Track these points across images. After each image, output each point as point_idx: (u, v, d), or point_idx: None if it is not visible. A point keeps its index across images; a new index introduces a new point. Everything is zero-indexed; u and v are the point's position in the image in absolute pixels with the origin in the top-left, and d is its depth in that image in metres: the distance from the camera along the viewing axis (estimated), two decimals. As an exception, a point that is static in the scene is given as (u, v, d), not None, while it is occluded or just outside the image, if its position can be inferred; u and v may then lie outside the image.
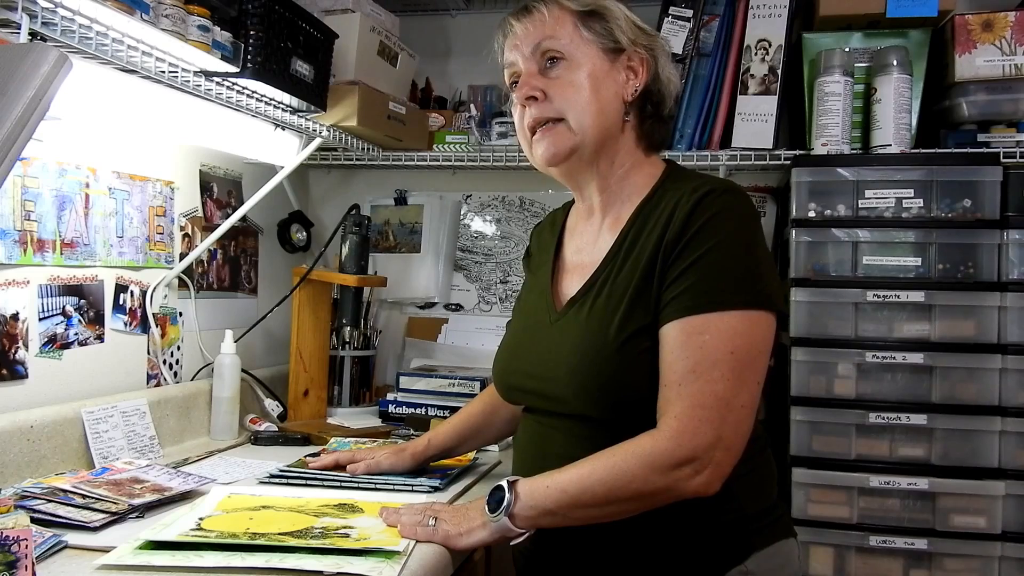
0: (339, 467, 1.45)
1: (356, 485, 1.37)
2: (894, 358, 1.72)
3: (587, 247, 1.23)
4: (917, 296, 1.72)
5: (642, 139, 1.21)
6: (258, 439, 1.80)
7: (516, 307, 1.37)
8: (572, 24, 1.16)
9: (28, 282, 1.44)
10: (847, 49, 1.88)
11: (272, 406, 2.01)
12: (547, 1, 1.18)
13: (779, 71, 1.91)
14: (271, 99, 1.65)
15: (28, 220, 1.43)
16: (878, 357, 1.73)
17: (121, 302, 1.67)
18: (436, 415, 1.93)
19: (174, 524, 1.12)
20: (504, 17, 1.22)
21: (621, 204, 1.19)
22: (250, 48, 1.46)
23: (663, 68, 1.20)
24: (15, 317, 1.41)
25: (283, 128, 1.85)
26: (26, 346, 1.43)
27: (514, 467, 1.25)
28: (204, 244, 1.87)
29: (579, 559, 1.11)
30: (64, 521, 1.12)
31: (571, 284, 1.21)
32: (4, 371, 1.39)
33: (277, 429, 1.86)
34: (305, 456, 1.53)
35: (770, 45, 1.91)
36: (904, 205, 1.75)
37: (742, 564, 1.07)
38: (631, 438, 1.03)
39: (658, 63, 1.20)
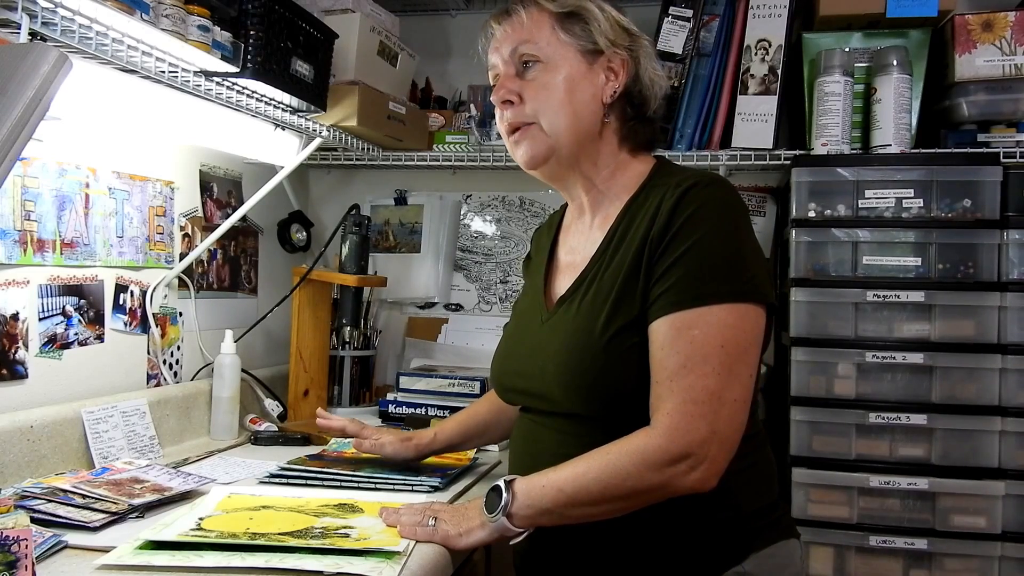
0: (346, 434, 1.49)
1: (356, 485, 1.37)
2: (894, 358, 1.72)
3: (579, 246, 1.23)
4: (917, 296, 1.72)
5: (626, 140, 1.21)
6: (258, 439, 1.80)
7: (513, 309, 1.37)
8: (550, 26, 1.16)
9: (28, 282, 1.44)
10: (847, 49, 1.88)
11: (272, 406, 2.01)
12: (526, 3, 1.18)
13: (779, 71, 1.91)
14: (271, 99, 1.65)
15: (28, 220, 1.43)
16: (878, 357, 1.73)
17: (121, 302, 1.67)
18: (436, 415, 1.93)
19: (174, 524, 1.12)
20: (486, 19, 1.23)
21: (610, 203, 1.19)
22: (250, 48, 1.46)
23: (645, 69, 1.20)
24: (15, 317, 1.41)
25: (283, 128, 1.85)
26: (26, 346, 1.43)
27: (509, 466, 1.26)
28: (204, 244, 1.87)
29: (575, 558, 1.11)
30: (64, 521, 1.12)
31: (562, 283, 1.21)
32: (4, 371, 1.39)
33: (277, 429, 1.86)
34: (305, 456, 1.53)
35: (770, 45, 1.91)
36: (904, 205, 1.75)
37: (739, 565, 1.06)
38: (623, 436, 1.03)
39: (639, 65, 1.19)
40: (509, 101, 1.17)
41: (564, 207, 1.36)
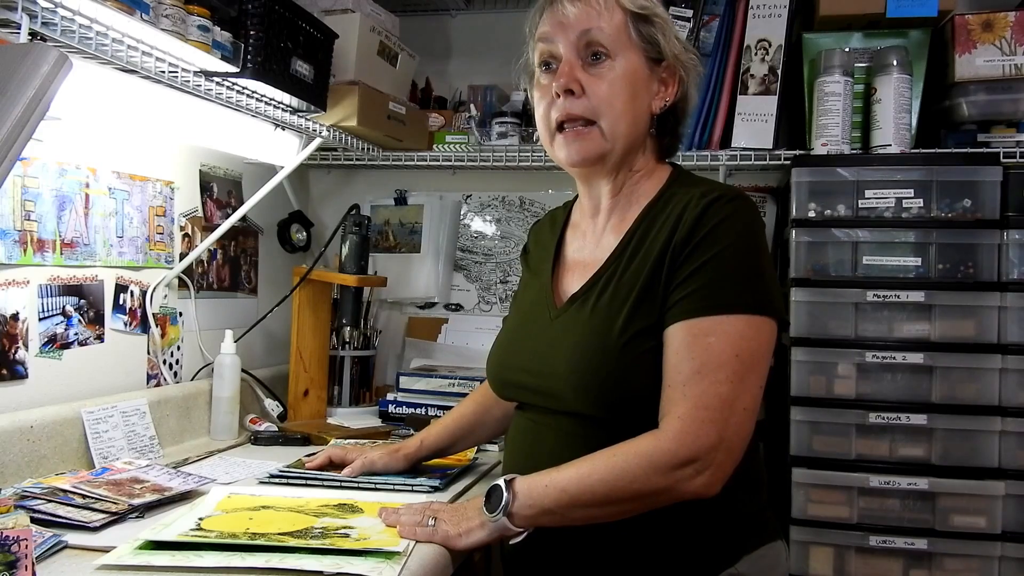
0: (332, 464, 1.45)
1: (356, 485, 1.37)
2: (894, 358, 1.72)
3: (589, 246, 1.23)
4: (917, 296, 1.72)
5: (657, 151, 1.22)
6: (258, 439, 1.80)
7: (513, 304, 1.37)
8: (623, 22, 1.13)
9: (28, 282, 1.44)
10: (847, 49, 1.88)
11: (272, 406, 2.01)
12: None
13: (779, 71, 1.90)
14: (271, 99, 1.65)
15: (28, 220, 1.43)
16: (878, 357, 1.73)
17: (121, 302, 1.67)
18: (436, 415, 1.92)
19: (174, 524, 1.12)
20: None
21: (627, 206, 1.19)
22: (250, 48, 1.46)
23: (690, 87, 1.20)
24: (15, 317, 1.41)
25: (283, 128, 1.85)
26: (26, 346, 1.43)
27: (504, 465, 1.25)
28: (204, 244, 1.87)
29: (569, 559, 1.11)
30: (64, 521, 1.13)
31: (572, 282, 1.21)
32: (4, 371, 1.39)
33: (277, 429, 1.86)
34: (303, 456, 1.53)
35: (770, 45, 1.91)
36: (904, 205, 1.75)
37: (733, 567, 1.07)
38: (627, 438, 1.03)
39: (688, 82, 1.19)
40: (571, 91, 1.13)
41: (567, 204, 1.35)
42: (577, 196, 1.31)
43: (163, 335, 1.80)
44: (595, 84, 1.13)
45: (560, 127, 1.15)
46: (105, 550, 1.03)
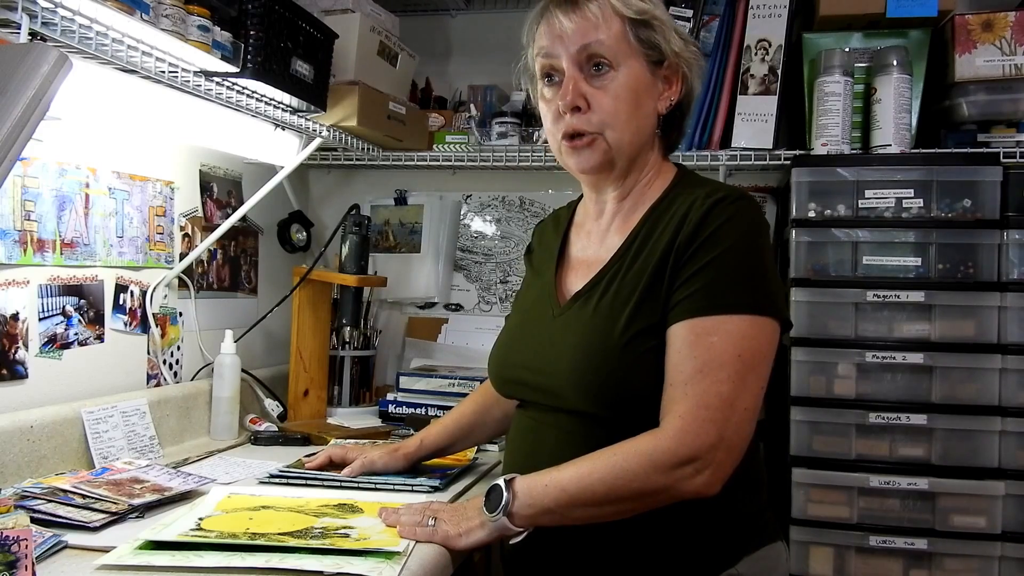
0: (332, 464, 1.45)
1: (356, 485, 1.37)
2: (894, 358, 1.72)
3: (593, 245, 1.23)
4: (917, 296, 1.72)
5: (663, 148, 1.23)
6: (258, 439, 1.80)
7: (516, 302, 1.37)
8: (622, 30, 1.13)
9: (28, 282, 1.44)
10: (847, 49, 1.88)
11: (272, 406, 2.01)
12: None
13: (779, 71, 1.91)
14: (271, 99, 1.65)
15: (28, 220, 1.43)
16: (878, 357, 1.73)
17: (121, 302, 1.67)
18: (436, 415, 1.92)
19: (174, 524, 1.12)
20: (546, 2, 1.17)
21: (632, 207, 1.20)
22: (250, 48, 1.46)
23: (694, 80, 1.20)
24: (15, 317, 1.41)
25: (283, 128, 1.85)
26: (26, 346, 1.43)
27: (504, 463, 1.25)
28: (204, 244, 1.87)
29: (569, 559, 1.11)
30: (64, 521, 1.13)
31: (575, 280, 1.21)
32: (4, 371, 1.39)
33: (277, 429, 1.86)
34: (303, 456, 1.53)
35: (770, 45, 1.91)
36: (904, 205, 1.75)
37: (733, 567, 1.07)
38: (627, 437, 1.03)
39: (692, 76, 1.19)
40: (577, 108, 1.13)
41: (571, 204, 1.36)
42: (581, 196, 1.31)
43: (163, 335, 1.80)
44: (599, 97, 1.13)
45: (567, 137, 1.16)
46: (105, 550, 1.03)
